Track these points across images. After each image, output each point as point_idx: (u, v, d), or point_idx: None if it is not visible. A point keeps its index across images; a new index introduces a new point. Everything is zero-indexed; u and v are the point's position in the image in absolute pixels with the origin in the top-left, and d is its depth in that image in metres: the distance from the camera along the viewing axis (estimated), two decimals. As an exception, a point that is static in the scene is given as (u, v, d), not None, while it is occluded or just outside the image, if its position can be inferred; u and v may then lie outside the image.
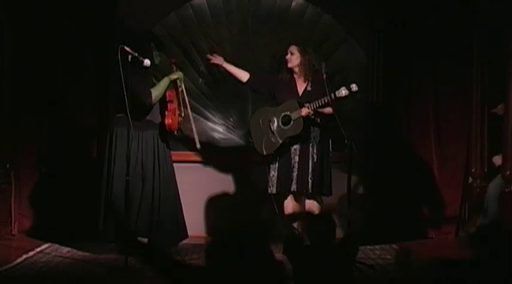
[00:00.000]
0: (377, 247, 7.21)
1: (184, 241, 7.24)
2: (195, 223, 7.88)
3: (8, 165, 7.48)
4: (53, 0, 7.49)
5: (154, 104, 6.75)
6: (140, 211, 6.68)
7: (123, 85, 6.43)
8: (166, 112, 6.77)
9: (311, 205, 6.98)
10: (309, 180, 6.89)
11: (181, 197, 7.84)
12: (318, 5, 8.00)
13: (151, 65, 6.54)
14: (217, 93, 8.09)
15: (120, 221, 6.68)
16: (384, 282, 6.09)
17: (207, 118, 8.13)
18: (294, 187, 6.91)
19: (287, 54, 7.00)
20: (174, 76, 6.78)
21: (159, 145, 6.79)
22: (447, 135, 7.76)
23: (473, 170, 7.62)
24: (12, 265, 6.33)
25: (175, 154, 7.92)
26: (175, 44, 8.00)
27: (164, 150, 6.81)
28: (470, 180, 7.63)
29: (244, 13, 8.02)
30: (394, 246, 7.27)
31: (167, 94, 6.78)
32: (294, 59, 6.97)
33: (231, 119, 8.13)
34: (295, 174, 6.90)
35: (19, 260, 6.49)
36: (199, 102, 8.10)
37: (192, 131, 6.92)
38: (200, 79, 8.10)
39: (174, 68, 6.87)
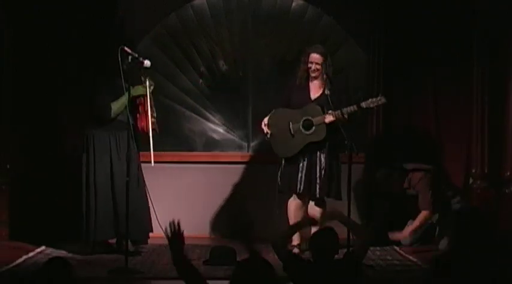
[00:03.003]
0: (377, 248, 7.20)
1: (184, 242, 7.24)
2: (195, 223, 7.88)
3: (8, 166, 7.47)
4: (53, 1, 7.49)
5: (115, 117, 6.78)
6: (118, 211, 6.77)
7: (123, 85, 6.49)
8: (138, 115, 6.80)
9: (313, 211, 6.96)
10: (317, 185, 6.86)
11: (180, 198, 7.86)
12: (318, 5, 7.99)
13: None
14: (217, 93, 8.09)
15: (107, 223, 6.77)
16: (383, 282, 6.09)
17: (207, 119, 8.13)
18: (299, 188, 6.86)
19: (309, 63, 6.84)
20: (135, 93, 6.74)
21: (131, 145, 6.78)
22: (447, 135, 7.75)
23: (473, 171, 7.62)
24: (12, 265, 6.33)
25: (176, 155, 7.94)
26: (175, 44, 8.00)
27: (135, 149, 6.75)
28: (471, 180, 7.62)
29: (245, 13, 8.02)
30: (396, 247, 7.27)
31: (139, 100, 6.80)
32: (318, 68, 6.85)
33: (231, 120, 8.13)
34: (300, 175, 6.84)
35: (19, 260, 6.49)
36: (199, 103, 8.10)
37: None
38: (200, 80, 8.10)
39: (143, 78, 6.81)
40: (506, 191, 7.34)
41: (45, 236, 7.13)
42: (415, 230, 7.21)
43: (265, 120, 6.93)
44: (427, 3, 7.66)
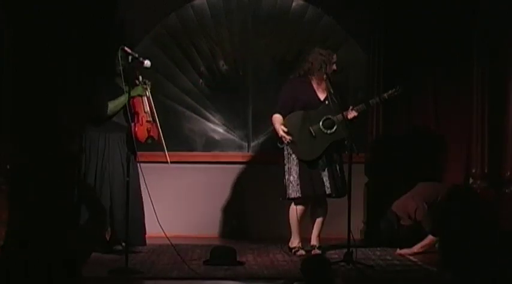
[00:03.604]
0: (378, 248, 7.20)
1: (184, 242, 7.25)
2: (195, 223, 7.88)
3: (8, 166, 7.47)
4: (53, 1, 7.49)
5: (111, 116, 6.78)
6: (111, 211, 6.80)
7: (123, 85, 6.51)
8: (132, 123, 6.74)
9: (320, 216, 6.95)
10: (341, 183, 6.83)
11: (180, 198, 7.85)
12: (318, 5, 8.00)
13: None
14: (217, 93, 8.09)
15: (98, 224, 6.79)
16: (384, 282, 6.08)
17: (207, 119, 8.13)
18: (326, 190, 6.77)
19: (332, 63, 6.81)
20: (134, 93, 6.72)
21: (123, 147, 6.78)
22: (447, 135, 7.75)
23: (473, 171, 7.62)
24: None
25: (176, 155, 7.94)
26: (175, 44, 8.00)
27: (129, 152, 6.72)
28: (471, 180, 7.62)
29: (245, 13, 8.03)
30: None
31: (132, 104, 6.75)
32: (335, 67, 6.83)
33: (231, 120, 8.12)
34: (325, 178, 6.77)
35: (19, 260, 6.49)
36: (199, 103, 8.10)
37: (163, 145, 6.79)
38: (200, 80, 8.10)
39: (137, 82, 6.78)
40: (506, 191, 7.34)
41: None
42: (423, 248, 7.12)
43: (281, 127, 6.78)
44: (427, 3, 7.66)
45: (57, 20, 7.48)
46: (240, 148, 8.12)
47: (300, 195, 6.80)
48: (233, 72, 8.08)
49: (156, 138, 6.80)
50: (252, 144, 8.12)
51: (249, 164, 8.02)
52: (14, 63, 7.44)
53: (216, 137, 8.13)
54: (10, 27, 7.41)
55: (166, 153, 6.68)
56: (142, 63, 6.47)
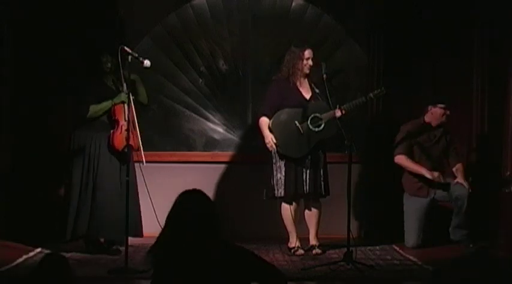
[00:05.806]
0: (377, 247, 7.21)
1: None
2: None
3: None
4: (53, 1, 7.49)
5: (92, 119, 6.76)
6: (93, 210, 6.74)
7: (124, 84, 6.50)
8: (112, 131, 6.72)
9: (312, 214, 6.97)
10: (321, 183, 6.85)
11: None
12: (318, 5, 8.00)
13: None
14: (217, 93, 8.09)
15: (81, 222, 6.75)
16: (383, 282, 6.09)
17: (207, 119, 8.12)
18: (306, 189, 6.81)
19: (305, 59, 6.84)
20: (117, 100, 6.71)
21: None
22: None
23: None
24: (12, 265, 6.33)
25: (176, 155, 7.95)
26: (175, 44, 8.00)
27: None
28: (471, 180, 7.62)
29: (245, 13, 8.03)
30: (395, 246, 7.27)
31: (113, 111, 6.73)
32: (311, 64, 6.84)
33: (231, 120, 8.12)
34: (305, 176, 6.80)
35: (19, 260, 6.49)
36: (199, 103, 8.10)
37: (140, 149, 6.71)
38: (200, 80, 8.10)
39: (124, 87, 6.71)
40: (506, 191, 7.33)
41: (42, 236, 7.13)
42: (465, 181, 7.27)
43: (269, 136, 6.80)
44: (428, 3, 7.66)
45: (57, 20, 7.49)
46: (240, 148, 8.11)
47: (283, 194, 6.81)
48: (233, 72, 8.08)
49: (135, 147, 6.68)
50: (252, 143, 8.10)
51: (248, 164, 8.01)
52: (14, 62, 7.45)
53: (216, 137, 8.13)
54: (10, 27, 7.42)
55: (143, 154, 6.63)
56: (142, 63, 6.47)
